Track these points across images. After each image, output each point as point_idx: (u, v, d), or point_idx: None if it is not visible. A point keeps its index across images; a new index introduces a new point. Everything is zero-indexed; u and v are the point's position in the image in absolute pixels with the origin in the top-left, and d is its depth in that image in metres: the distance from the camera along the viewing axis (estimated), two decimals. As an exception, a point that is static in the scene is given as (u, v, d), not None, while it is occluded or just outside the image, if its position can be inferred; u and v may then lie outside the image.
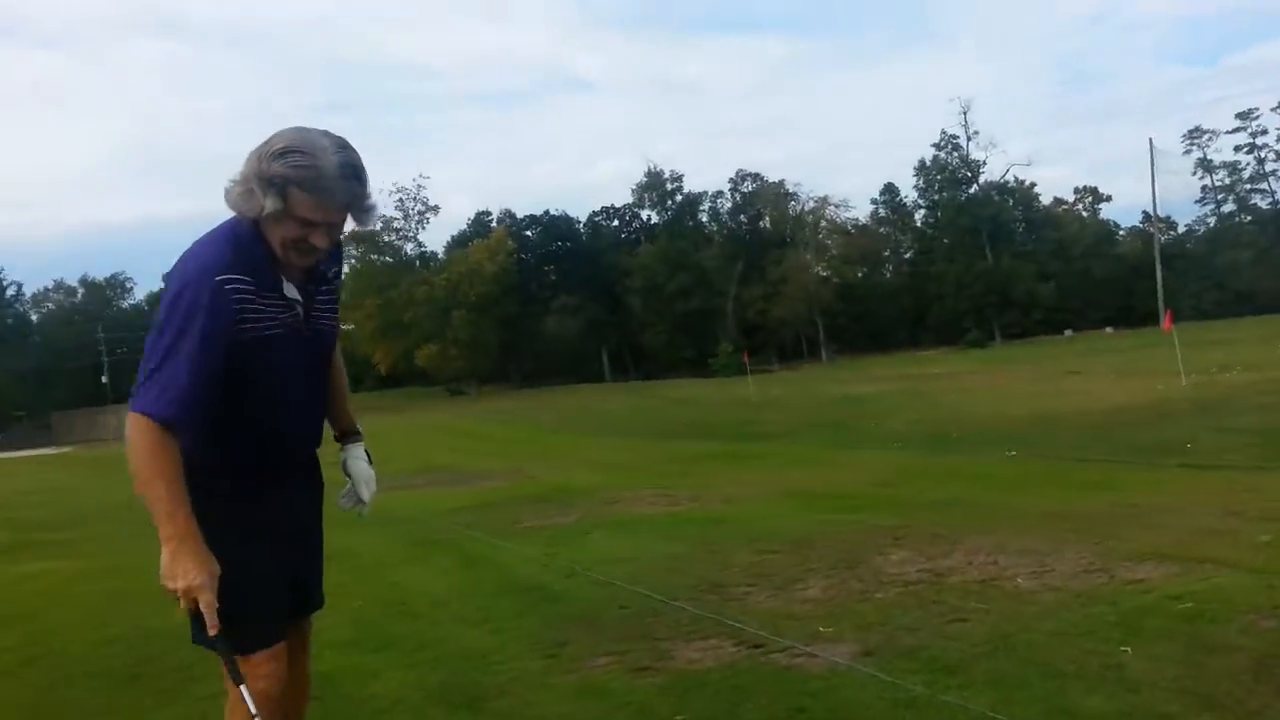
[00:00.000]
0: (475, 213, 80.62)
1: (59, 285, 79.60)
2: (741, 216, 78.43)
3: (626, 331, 75.20)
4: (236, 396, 2.27)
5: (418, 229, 73.27)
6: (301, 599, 2.54)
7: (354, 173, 2.19)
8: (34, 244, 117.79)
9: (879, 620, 4.42)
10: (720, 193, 78.34)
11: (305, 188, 2.14)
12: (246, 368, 2.24)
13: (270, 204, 2.13)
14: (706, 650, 4.20)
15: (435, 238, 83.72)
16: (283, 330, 2.30)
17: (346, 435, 2.70)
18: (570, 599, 5.41)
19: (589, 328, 75.42)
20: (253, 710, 2.16)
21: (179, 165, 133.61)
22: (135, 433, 2.14)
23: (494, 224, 77.23)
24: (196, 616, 2.15)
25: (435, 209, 73.66)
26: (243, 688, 2.17)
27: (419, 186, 71.94)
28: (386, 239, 72.54)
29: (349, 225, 2.31)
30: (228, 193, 2.20)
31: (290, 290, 2.30)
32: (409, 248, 73.24)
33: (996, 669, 3.61)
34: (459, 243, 75.09)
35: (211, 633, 2.13)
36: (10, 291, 72.48)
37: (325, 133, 2.21)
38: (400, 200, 71.57)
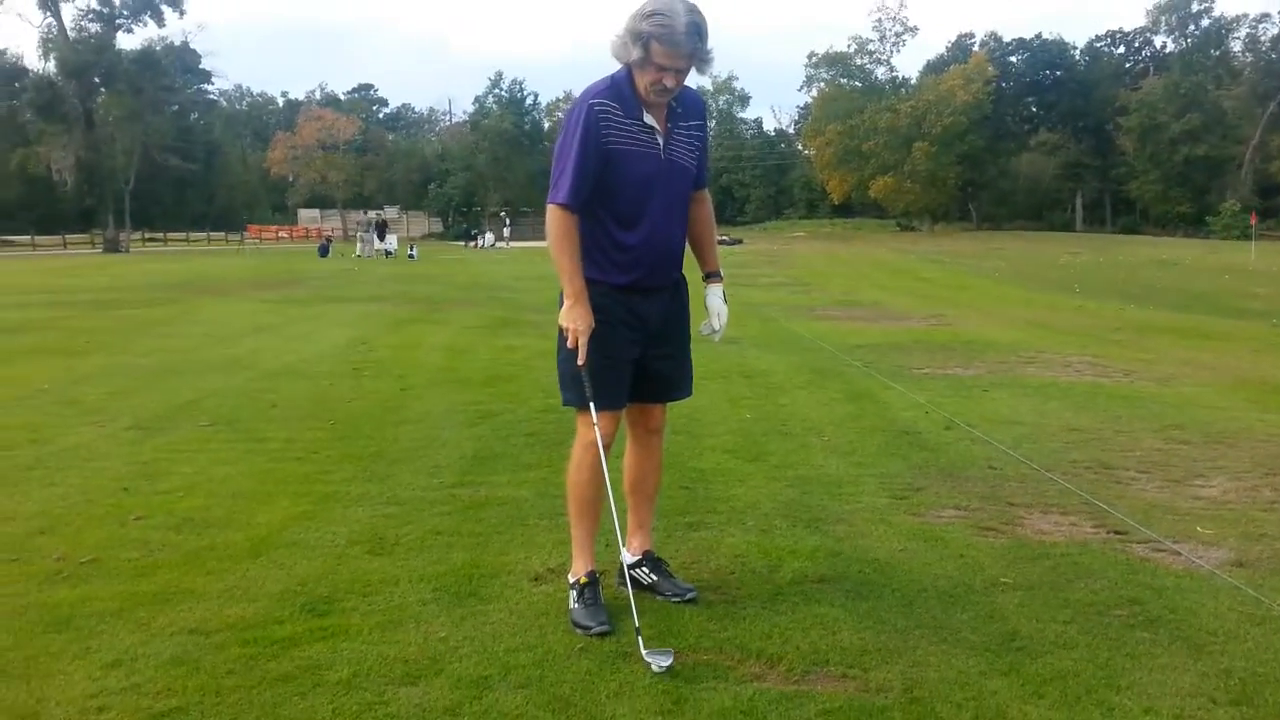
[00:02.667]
0: (956, 35, 75.54)
1: (568, 95, 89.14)
2: (1287, 47, 64.95)
3: (1110, 177, 67.36)
4: (609, 195, 2.96)
5: (892, 51, 70.78)
6: (658, 389, 3.22)
7: (698, 31, 2.83)
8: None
9: (1274, 534, 3.96)
10: (1266, 16, 65.63)
11: (661, 41, 2.81)
12: (613, 172, 2.94)
13: (636, 53, 2.84)
14: (1061, 526, 4.10)
15: (910, 62, 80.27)
16: (640, 149, 2.96)
17: (710, 276, 3.30)
18: (940, 450, 5.45)
19: (1066, 170, 68.67)
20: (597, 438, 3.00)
21: None
22: (549, 219, 2.95)
23: (975, 47, 71.93)
24: (571, 383, 3.03)
25: (914, 30, 70.88)
26: (588, 419, 3.01)
27: (900, 4, 68.87)
28: (859, 62, 70.85)
29: (694, 75, 2.94)
30: (611, 44, 2.91)
31: (649, 119, 2.97)
32: (880, 72, 71.06)
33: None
34: (934, 69, 71.21)
35: (580, 362, 2.94)
36: (529, 101, 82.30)
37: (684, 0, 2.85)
38: (878, 20, 69.16)
